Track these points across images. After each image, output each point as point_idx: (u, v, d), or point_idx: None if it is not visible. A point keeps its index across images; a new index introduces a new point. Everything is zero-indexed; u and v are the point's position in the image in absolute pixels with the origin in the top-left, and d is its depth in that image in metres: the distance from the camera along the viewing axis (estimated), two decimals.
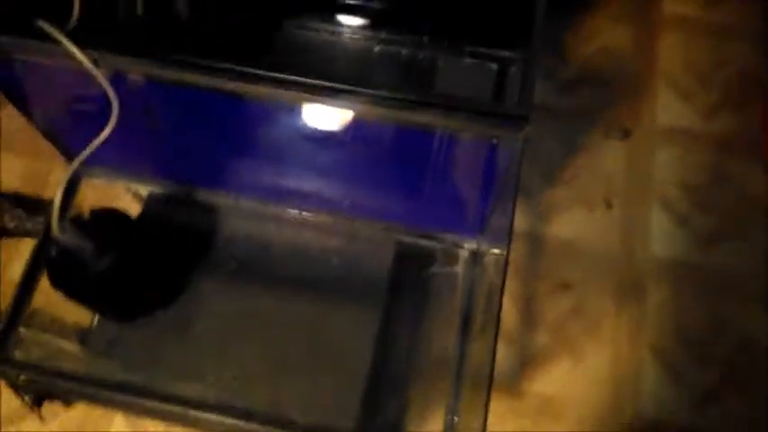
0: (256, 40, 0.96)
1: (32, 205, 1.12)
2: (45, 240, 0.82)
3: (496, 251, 0.82)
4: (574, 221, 1.20)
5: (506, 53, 0.95)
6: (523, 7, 0.70)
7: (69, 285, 0.77)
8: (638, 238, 1.19)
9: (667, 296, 1.14)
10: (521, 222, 1.19)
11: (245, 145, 0.80)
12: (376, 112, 0.61)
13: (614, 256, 1.18)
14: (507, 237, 0.76)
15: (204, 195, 0.92)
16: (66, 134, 0.84)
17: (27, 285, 0.83)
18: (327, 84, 0.59)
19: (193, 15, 0.85)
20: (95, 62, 0.61)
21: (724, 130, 1.26)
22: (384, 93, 0.59)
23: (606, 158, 1.24)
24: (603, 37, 1.33)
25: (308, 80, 0.59)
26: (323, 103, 0.60)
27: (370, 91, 0.59)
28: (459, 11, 0.93)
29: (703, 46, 1.33)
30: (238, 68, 0.59)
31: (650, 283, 1.15)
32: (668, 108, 1.28)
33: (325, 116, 0.68)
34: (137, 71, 0.62)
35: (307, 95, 0.60)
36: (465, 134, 0.62)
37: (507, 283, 1.14)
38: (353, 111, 0.62)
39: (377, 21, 0.98)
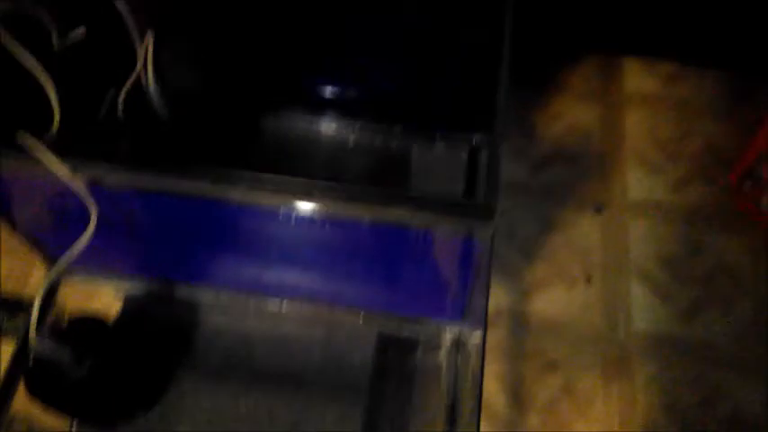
0: (235, 136, 0.99)
1: (12, 305, 1.11)
2: (22, 350, 0.81)
3: (478, 336, 0.82)
4: (555, 298, 1.21)
5: (475, 138, 0.98)
6: (487, 97, 0.73)
7: (47, 394, 0.75)
8: (621, 312, 1.19)
9: (655, 370, 1.14)
10: (504, 301, 1.20)
11: (225, 242, 0.81)
12: (350, 210, 0.62)
13: (598, 331, 1.18)
14: (483, 326, 0.77)
15: (184, 291, 0.92)
16: (45, 238, 0.84)
17: (4, 394, 0.81)
18: (302, 185, 0.61)
19: (173, 115, 0.88)
20: (74, 172, 0.62)
21: (694, 202, 1.30)
22: (357, 190, 0.61)
23: (582, 234, 1.26)
24: (570, 116, 1.39)
25: (284, 182, 0.61)
26: (299, 203, 0.62)
27: (344, 189, 0.61)
28: (429, 101, 0.97)
29: (668, 121, 1.38)
30: (215, 176, 0.60)
31: (636, 357, 1.15)
32: (638, 182, 1.32)
33: (302, 213, 0.70)
34: (114, 180, 0.63)
35: (283, 197, 0.61)
36: (437, 228, 0.63)
37: (494, 365, 1.14)
38: (328, 209, 0.63)
39: (351, 112, 1.02)
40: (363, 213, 0.61)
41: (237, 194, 0.60)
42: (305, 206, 0.61)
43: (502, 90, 0.67)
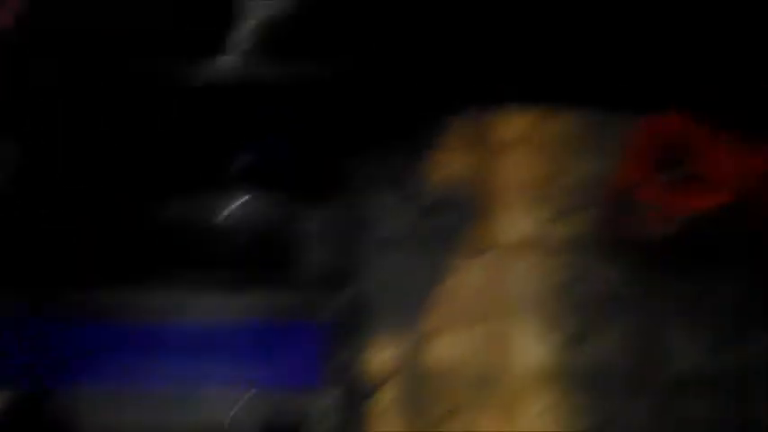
0: (130, 231, 0.99)
1: None
2: None
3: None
4: (451, 344, 1.24)
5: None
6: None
7: None
8: (513, 348, 1.23)
9: (549, 401, 1.18)
10: (400, 354, 1.22)
11: (94, 343, 0.81)
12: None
13: (493, 371, 1.21)
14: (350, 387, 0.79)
15: (64, 392, 0.91)
16: None
17: None
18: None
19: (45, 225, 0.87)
20: None
21: (573, 233, 1.36)
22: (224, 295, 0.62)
23: (469, 277, 1.30)
24: (447, 167, 1.43)
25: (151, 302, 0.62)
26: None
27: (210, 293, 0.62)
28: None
29: (540, 161, 1.45)
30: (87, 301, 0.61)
31: (531, 391, 1.19)
32: (517, 221, 1.37)
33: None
34: None
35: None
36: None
37: (398, 418, 1.15)
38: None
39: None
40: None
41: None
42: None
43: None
